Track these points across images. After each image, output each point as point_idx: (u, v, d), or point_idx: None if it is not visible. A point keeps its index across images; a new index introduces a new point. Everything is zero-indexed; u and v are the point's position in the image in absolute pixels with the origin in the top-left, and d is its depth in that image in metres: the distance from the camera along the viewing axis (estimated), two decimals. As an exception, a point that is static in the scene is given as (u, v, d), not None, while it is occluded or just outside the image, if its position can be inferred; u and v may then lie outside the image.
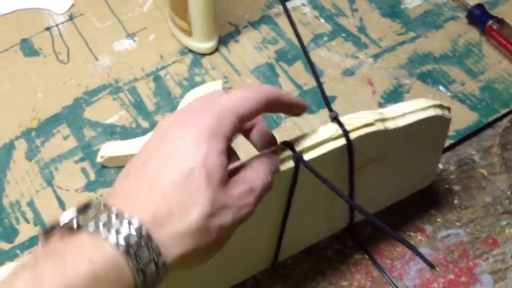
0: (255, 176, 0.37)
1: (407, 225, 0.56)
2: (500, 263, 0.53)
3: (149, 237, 0.31)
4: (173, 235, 0.32)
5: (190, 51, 0.69)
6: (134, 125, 0.64)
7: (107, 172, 0.61)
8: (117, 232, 0.31)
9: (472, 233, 0.55)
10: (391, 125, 0.46)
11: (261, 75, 0.67)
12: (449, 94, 0.64)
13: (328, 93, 0.64)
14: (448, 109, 0.50)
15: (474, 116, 0.62)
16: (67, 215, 0.32)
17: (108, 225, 0.31)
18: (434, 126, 0.50)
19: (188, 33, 0.67)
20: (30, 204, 0.58)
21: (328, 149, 0.44)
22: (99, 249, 0.30)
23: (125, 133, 0.63)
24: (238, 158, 0.40)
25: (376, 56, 0.67)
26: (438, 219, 0.56)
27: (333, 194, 0.44)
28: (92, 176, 0.60)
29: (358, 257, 0.54)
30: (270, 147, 0.42)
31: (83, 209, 0.32)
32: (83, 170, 0.61)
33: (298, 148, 0.43)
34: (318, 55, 0.68)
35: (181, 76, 0.67)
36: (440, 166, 0.59)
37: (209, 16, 0.66)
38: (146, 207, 0.32)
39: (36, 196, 0.59)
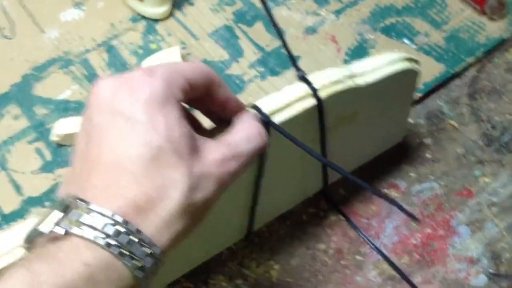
0: (242, 138, 0.35)
1: (380, 182, 0.54)
2: (477, 213, 0.52)
3: (138, 232, 0.29)
4: (160, 222, 0.30)
5: (143, 17, 0.66)
6: (89, 99, 0.60)
7: (64, 151, 0.57)
8: (106, 234, 0.29)
9: (446, 185, 0.54)
10: (361, 81, 0.45)
11: (220, 38, 0.64)
12: (414, 46, 0.62)
13: (291, 52, 0.63)
14: (416, 62, 0.48)
15: (441, 67, 0.60)
16: (49, 221, 0.29)
17: (94, 226, 0.29)
18: (404, 80, 0.48)
19: (140, -2, 0.64)
20: (-16, 190, 0.55)
21: (298, 110, 0.42)
22: (92, 252, 0.28)
23: (80, 108, 0.60)
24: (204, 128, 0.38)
25: (338, 12, 0.65)
26: (411, 174, 0.55)
27: (305, 157, 0.42)
28: (48, 156, 0.57)
29: (334, 219, 0.53)
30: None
31: (63, 211, 0.29)
32: (38, 151, 0.57)
33: (266, 111, 0.41)
34: (279, 14, 0.65)
35: (135, 45, 0.64)
36: (410, 120, 0.57)
37: (161, -22, 0.62)
38: (123, 198, 0.30)
39: (-11, 181, 0.56)
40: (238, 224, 0.50)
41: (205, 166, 0.32)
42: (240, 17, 0.65)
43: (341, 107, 0.46)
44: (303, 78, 0.43)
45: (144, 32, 0.65)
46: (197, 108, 0.38)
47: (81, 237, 0.28)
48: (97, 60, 0.63)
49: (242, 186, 0.46)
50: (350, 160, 0.53)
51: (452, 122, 0.57)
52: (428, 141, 0.56)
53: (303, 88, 0.43)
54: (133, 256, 0.29)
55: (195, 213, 0.32)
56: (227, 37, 0.64)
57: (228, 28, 0.65)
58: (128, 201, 0.30)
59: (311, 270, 0.50)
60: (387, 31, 0.63)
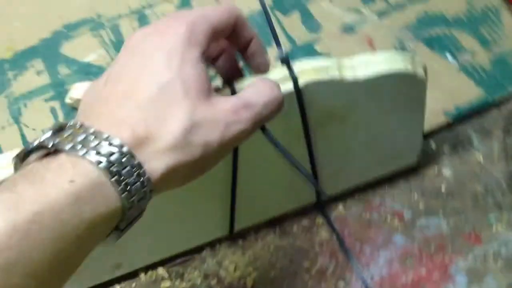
0: (253, 92, 0.34)
1: (385, 207, 0.51)
2: (480, 263, 0.48)
3: (131, 155, 0.29)
4: (154, 151, 0.30)
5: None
6: (110, 67, 0.59)
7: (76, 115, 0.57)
8: (97, 151, 0.28)
9: (455, 225, 0.50)
10: (349, 74, 0.41)
11: (254, 23, 0.60)
12: (456, 64, 0.57)
13: (323, 50, 0.59)
14: (424, 68, 0.43)
15: (480, 93, 0.55)
16: (42, 137, 0.29)
17: (86, 144, 0.28)
18: (406, 86, 0.43)
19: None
20: (-6, 139, 0.55)
21: None
22: (80, 169, 0.28)
23: (101, 74, 0.59)
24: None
25: (381, 13, 0.61)
26: (420, 205, 0.51)
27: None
28: (61, 117, 0.57)
29: (325, 236, 0.50)
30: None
31: (58, 130, 0.29)
32: (53, 110, 0.57)
33: None
34: (319, 6, 0.61)
35: (167, 17, 0.62)
36: (433, 145, 0.53)
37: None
38: (124, 126, 0.30)
39: (1, 132, 0.56)
40: (218, 217, 0.48)
41: (211, 111, 0.32)
42: (278, 3, 0.62)
43: (327, 102, 0.42)
44: (285, 60, 0.40)
45: (178, 5, 0.63)
46: (222, 52, 0.39)
47: (70, 153, 0.28)
48: (127, 27, 0.62)
49: (218, 177, 0.44)
50: (350, 172, 0.49)
51: (479, 156, 0.52)
52: (447, 172, 0.52)
53: (283, 72, 0.40)
54: (122, 179, 0.28)
55: (191, 154, 0.31)
56: (260, 23, 0.61)
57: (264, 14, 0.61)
58: (126, 126, 0.30)
59: (289, 286, 0.48)
60: (430, 42, 0.58)
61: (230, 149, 0.35)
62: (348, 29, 0.60)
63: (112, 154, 0.28)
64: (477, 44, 0.58)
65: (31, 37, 0.62)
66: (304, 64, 0.40)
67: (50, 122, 0.57)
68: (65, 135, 0.29)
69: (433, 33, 0.59)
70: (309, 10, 0.61)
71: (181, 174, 0.31)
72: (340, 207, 0.51)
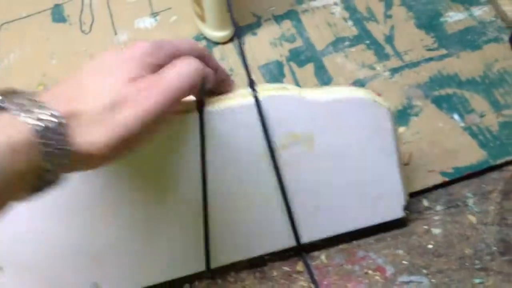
0: (169, 68, 0.37)
1: (368, 261, 0.50)
2: (458, 327, 0.46)
3: (62, 125, 0.33)
4: (82, 124, 0.34)
5: (205, 38, 0.67)
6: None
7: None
8: (38, 118, 0.33)
9: (437, 284, 0.48)
10: (309, 95, 0.44)
11: (267, 73, 0.63)
12: (462, 124, 0.56)
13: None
14: (388, 107, 0.46)
15: (482, 155, 0.54)
16: None
17: (29, 111, 0.33)
18: (367, 113, 0.45)
19: (202, 18, 0.65)
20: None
21: (235, 103, 0.43)
22: (18, 128, 0.32)
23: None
24: None
25: (394, 70, 0.61)
26: (404, 262, 0.49)
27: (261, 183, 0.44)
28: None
29: (304, 285, 0.49)
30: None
31: (9, 93, 0.34)
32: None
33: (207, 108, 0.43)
34: (333, 61, 0.63)
35: (188, 62, 0.65)
36: (426, 203, 0.52)
37: (222, 4, 0.62)
38: (61, 97, 0.35)
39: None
40: (195, 251, 0.48)
41: (130, 91, 0.35)
42: (294, 55, 0.64)
43: (288, 119, 0.44)
44: (251, 82, 0.44)
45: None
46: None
47: (14, 115, 0.32)
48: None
49: (191, 208, 0.46)
50: (329, 217, 0.49)
51: (472, 218, 0.51)
52: (436, 231, 0.50)
53: (247, 91, 0.44)
54: (49, 143, 0.32)
55: (112, 130, 0.35)
56: (274, 73, 0.63)
57: (279, 64, 0.63)
58: (68, 106, 0.34)
59: (259, 330, 0.47)
60: (439, 101, 0.58)
61: (145, 127, 0.36)
62: (358, 83, 0.60)
63: (47, 121, 0.33)
64: (488, 106, 0.57)
65: (63, 74, 0.66)
66: (268, 85, 0.45)
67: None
68: (14, 100, 0.33)
69: (443, 93, 0.58)
70: (324, 63, 0.62)
71: (104, 149, 0.35)
72: (323, 256, 0.50)
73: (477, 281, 0.47)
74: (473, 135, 0.55)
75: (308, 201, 0.47)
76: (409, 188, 0.51)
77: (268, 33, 0.66)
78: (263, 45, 0.65)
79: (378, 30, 0.64)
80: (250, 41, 0.66)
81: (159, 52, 0.38)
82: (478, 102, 0.57)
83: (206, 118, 0.43)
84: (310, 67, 0.63)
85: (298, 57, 0.64)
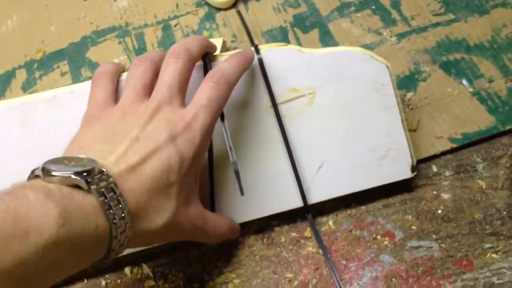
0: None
1: (377, 227, 0.49)
2: (468, 290, 0.45)
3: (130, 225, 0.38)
4: (144, 232, 0.39)
5: (207, 3, 0.65)
6: (127, 71, 0.61)
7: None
8: (114, 209, 0.37)
9: (446, 249, 0.47)
10: (307, 51, 0.47)
11: (271, 39, 0.62)
12: (470, 89, 0.55)
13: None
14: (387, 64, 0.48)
15: (491, 120, 0.53)
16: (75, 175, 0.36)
17: (109, 203, 0.36)
18: (366, 68, 0.47)
19: (204, -17, 0.63)
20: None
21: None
22: (100, 217, 0.36)
23: (120, 78, 0.61)
24: None
25: (401, 36, 0.60)
26: (413, 227, 0.49)
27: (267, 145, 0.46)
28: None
29: (312, 250, 0.49)
30: None
31: (90, 172, 0.36)
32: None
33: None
34: (339, 26, 0.61)
35: (190, 28, 0.64)
36: (434, 169, 0.51)
37: (225, -33, 0.61)
38: (133, 196, 0.38)
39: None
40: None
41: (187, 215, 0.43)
42: (299, 21, 0.62)
43: (289, 74, 0.47)
44: (254, 45, 0.48)
45: (202, 17, 0.64)
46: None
47: (98, 200, 0.36)
48: (151, 36, 0.64)
49: None
50: (335, 176, 0.48)
51: (481, 183, 0.50)
52: (446, 196, 0.50)
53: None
54: (111, 207, 0.36)
55: (178, 231, 0.42)
56: (278, 39, 0.62)
57: (283, 30, 0.62)
58: (134, 201, 0.38)
59: (268, 296, 0.47)
60: (447, 66, 0.57)
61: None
62: (365, 48, 0.59)
63: (121, 218, 0.37)
64: (497, 71, 0.56)
65: (62, 40, 0.65)
66: (270, 44, 0.48)
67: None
68: (96, 181, 0.36)
69: (452, 58, 0.57)
70: (329, 29, 0.61)
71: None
72: (331, 222, 0.50)
73: (487, 246, 0.47)
74: (482, 100, 0.54)
75: (313, 159, 0.47)
76: (417, 154, 0.51)
77: (271, -2, 0.65)
78: (267, 10, 0.64)
79: (384, -5, 0.63)
80: (252, 7, 0.64)
81: (144, 74, 0.45)
82: (486, 67, 0.56)
83: None
84: (315, 33, 0.62)
85: (303, 22, 0.62)
